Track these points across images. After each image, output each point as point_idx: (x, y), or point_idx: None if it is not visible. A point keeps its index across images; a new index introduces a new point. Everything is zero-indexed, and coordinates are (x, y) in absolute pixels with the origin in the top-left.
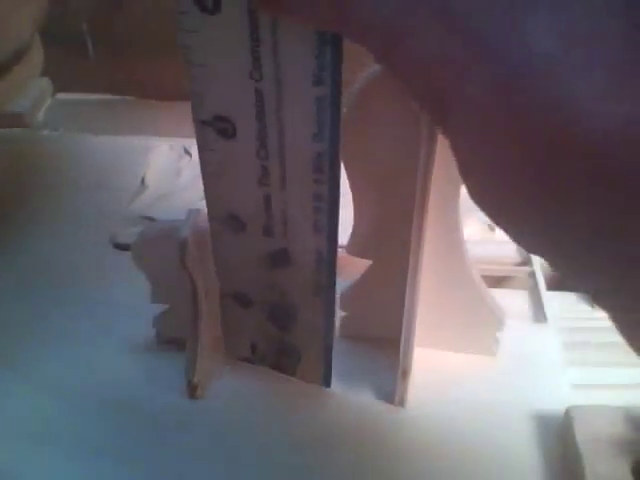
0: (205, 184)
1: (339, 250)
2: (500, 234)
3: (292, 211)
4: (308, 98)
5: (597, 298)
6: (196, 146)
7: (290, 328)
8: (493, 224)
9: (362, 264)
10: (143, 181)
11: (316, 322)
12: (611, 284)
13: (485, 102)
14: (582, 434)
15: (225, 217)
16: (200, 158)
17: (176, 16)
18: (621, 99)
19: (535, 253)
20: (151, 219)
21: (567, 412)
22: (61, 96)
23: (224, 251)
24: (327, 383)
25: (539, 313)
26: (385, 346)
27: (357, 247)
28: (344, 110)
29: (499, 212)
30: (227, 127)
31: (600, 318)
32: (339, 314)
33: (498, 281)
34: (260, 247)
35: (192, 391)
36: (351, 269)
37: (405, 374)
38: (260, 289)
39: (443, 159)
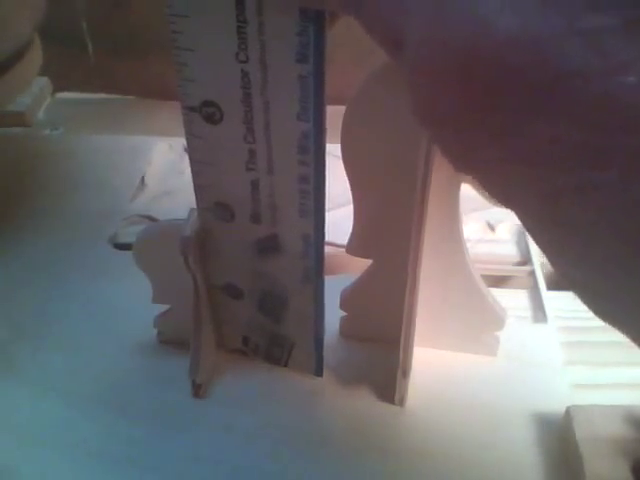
0: (193, 173)
1: (339, 250)
2: (500, 234)
3: (279, 195)
4: (292, 76)
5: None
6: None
7: (281, 318)
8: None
9: (362, 264)
10: (143, 180)
11: (307, 310)
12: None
13: (423, 31)
14: (582, 434)
15: (214, 206)
16: (188, 146)
17: (166, 1)
18: (515, 13)
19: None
20: (151, 218)
21: (567, 412)
22: (61, 95)
23: (214, 242)
24: (319, 372)
25: (539, 313)
26: (385, 346)
27: (357, 247)
28: (344, 110)
29: (443, 122)
30: (214, 112)
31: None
32: (339, 314)
33: (498, 281)
34: (249, 235)
35: (196, 390)
36: (351, 269)
37: (405, 374)
38: (250, 279)
39: (443, 158)
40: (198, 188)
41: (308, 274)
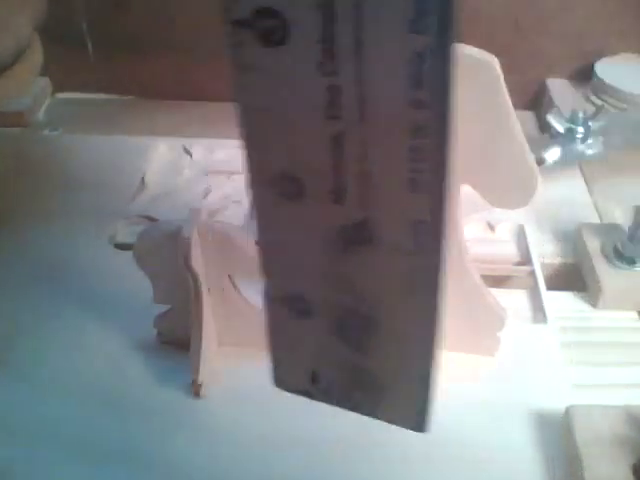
0: (242, 127)
1: None
2: (500, 234)
3: (375, 158)
4: None
5: None
6: (200, 145)
7: (368, 346)
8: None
9: None
10: (143, 180)
11: (409, 336)
12: None
13: None
14: (582, 434)
15: (276, 178)
16: (234, 85)
17: None
18: None
19: None
20: (151, 218)
21: (567, 412)
22: (61, 95)
23: (273, 231)
24: (421, 426)
25: (539, 313)
26: None
27: None
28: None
29: None
30: (275, 27)
31: (600, 318)
32: None
33: (498, 281)
34: (325, 221)
35: (197, 390)
36: None
37: None
38: (325, 287)
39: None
40: (251, 153)
41: (417, 280)
